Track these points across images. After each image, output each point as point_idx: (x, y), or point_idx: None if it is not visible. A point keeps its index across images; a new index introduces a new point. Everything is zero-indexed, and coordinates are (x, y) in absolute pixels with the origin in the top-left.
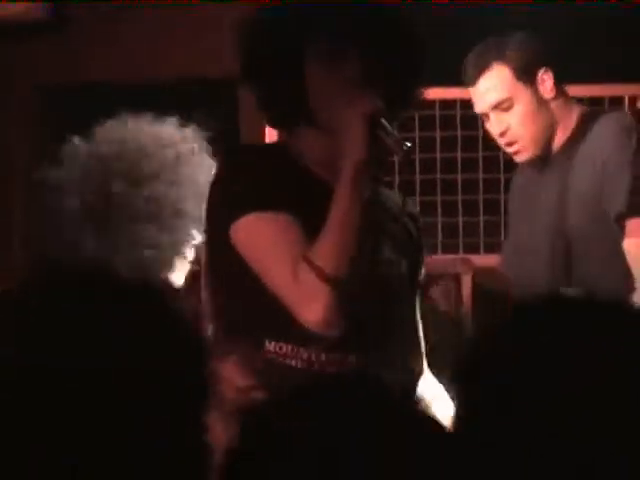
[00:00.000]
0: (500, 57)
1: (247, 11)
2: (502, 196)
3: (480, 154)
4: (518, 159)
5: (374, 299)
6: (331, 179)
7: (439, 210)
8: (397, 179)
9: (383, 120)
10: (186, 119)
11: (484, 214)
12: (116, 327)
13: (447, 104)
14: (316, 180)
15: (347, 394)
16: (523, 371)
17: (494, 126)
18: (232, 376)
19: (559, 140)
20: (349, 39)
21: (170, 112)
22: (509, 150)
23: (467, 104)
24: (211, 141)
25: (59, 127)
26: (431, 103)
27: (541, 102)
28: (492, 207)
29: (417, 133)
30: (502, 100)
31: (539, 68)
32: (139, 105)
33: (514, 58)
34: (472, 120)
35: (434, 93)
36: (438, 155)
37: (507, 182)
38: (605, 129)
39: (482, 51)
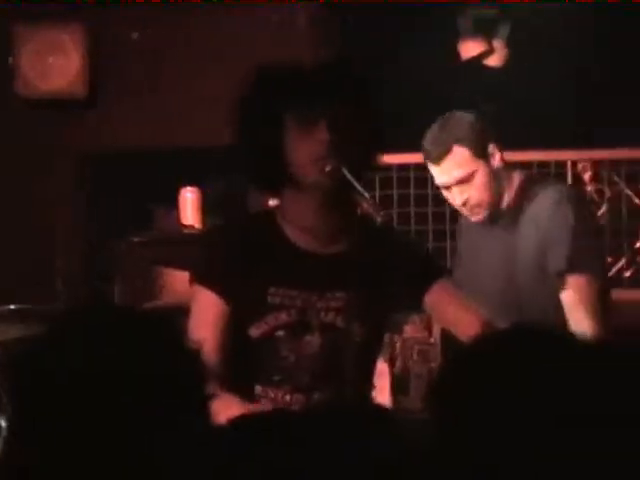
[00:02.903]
0: (458, 140)
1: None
2: (448, 244)
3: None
4: (474, 219)
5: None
6: (303, 241)
7: None
8: None
9: (359, 186)
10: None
11: None
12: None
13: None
14: (289, 245)
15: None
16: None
17: (456, 197)
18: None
19: (506, 200)
20: (319, 109)
21: (189, 178)
22: (466, 213)
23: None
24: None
25: (95, 190)
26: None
27: (493, 171)
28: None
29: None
30: (464, 176)
31: (489, 143)
32: (162, 171)
33: (470, 139)
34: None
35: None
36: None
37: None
38: (548, 199)
39: (440, 135)
